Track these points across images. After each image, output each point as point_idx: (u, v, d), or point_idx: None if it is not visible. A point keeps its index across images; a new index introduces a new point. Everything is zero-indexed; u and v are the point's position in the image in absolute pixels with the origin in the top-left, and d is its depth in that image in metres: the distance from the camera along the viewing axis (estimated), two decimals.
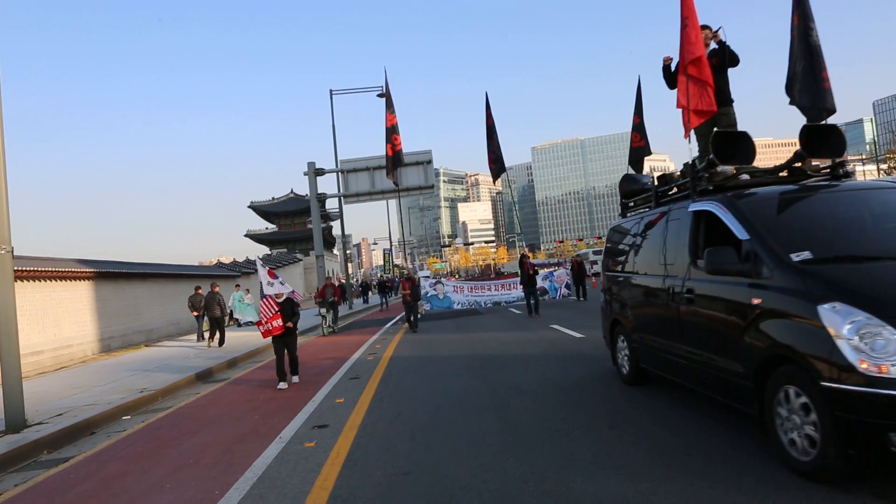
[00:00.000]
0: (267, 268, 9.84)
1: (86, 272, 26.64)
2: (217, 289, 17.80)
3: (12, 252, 7.59)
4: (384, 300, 33.02)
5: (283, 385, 9.21)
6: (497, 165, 20.94)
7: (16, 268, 8.78)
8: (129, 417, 8.31)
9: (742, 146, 5.28)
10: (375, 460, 5.01)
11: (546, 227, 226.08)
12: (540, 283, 21.90)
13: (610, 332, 7.44)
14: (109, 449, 6.57)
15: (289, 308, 9.56)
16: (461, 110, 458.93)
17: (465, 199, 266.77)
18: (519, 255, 22.87)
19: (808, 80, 6.57)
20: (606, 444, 4.83)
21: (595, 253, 49.35)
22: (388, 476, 4.58)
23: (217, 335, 16.71)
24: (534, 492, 3.99)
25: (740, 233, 4.52)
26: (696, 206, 5.28)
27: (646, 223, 6.45)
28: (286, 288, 9.72)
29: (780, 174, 5.59)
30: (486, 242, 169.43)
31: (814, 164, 5.47)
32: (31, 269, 19.53)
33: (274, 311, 9.36)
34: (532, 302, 17.84)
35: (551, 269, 23.90)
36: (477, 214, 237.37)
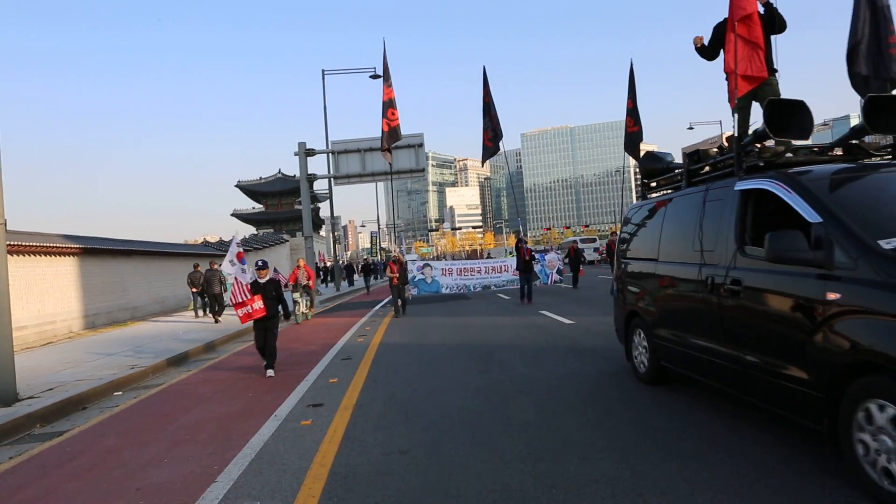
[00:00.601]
0: (239, 249, 9.36)
1: (71, 248, 26.38)
2: (215, 266, 18.67)
3: (5, 225, 7.52)
4: (368, 283, 32.30)
5: (271, 372, 8.59)
6: (493, 144, 19.78)
7: None
8: (120, 393, 8.31)
9: (798, 117, 4.70)
10: (373, 439, 5.07)
11: (533, 214, 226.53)
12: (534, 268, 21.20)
13: (625, 326, 6.75)
14: (103, 424, 6.58)
15: (272, 290, 8.95)
16: (451, 94, 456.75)
17: (454, 184, 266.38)
18: (514, 240, 21.93)
19: (872, 45, 5.92)
20: (601, 428, 4.92)
21: (583, 241, 49.62)
22: (387, 454, 4.64)
23: (217, 309, 18.23)
24: (531, 471, 4.07)
25: (809, 215, 3.85)
26: (745, 185, 4.64)
27: (674, 205, 5.76)
28: (244, 276, 9.07)
29: (832, 152, 4.99)
30: (473, 227, 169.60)
31: (874, 141, 4.96)
32: (16, 243, 19.31)
33: (248, 296, 8.70)
34: (526, 288, 17.33)
35: (542, 252, 23.18)
36: (465, 199, 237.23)
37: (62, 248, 26.00)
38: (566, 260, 23.06)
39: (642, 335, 6.28)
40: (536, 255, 21.08)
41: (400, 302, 16.30)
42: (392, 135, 20.27)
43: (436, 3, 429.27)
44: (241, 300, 8.64)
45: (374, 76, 27.86)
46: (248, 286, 8.73)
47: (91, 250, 28.08)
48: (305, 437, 5.30)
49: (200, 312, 20.68)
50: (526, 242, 18.30)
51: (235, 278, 9.02)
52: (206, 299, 19.66)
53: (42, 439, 6.17)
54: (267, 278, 9.02)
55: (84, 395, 7.73)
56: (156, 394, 8.06)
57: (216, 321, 17.81)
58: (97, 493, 4.38)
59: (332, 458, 4.63)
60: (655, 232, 6.06)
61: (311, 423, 5.76)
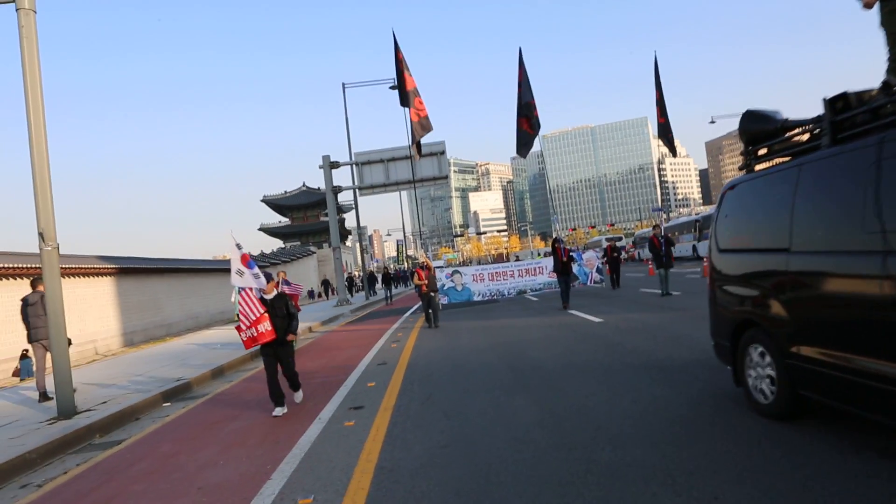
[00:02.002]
0: (242, 251, 7.33)
1: (107, 268, 27.25)
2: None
3: (58, 248, 7.98)
4: (388, 294, 29.90)
5: (279, 411, 6.95)
6: (534, 131, 17.96)
7: (39, 266, 8.79)
8: (169, 404, 8.71)
9: None
10: (413, 436, 5.34)
11: (558, 215, 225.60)
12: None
13: (732, 339, 5.16)
14: (158, 432, 6.97)
15: (282, 306, 7.21)
16: (470, 99, 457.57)
17: (476, 189, 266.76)
18: (544, 242, 21.24)
19: None
20: (631, 417, 5.13)
21: (608, 240, 49.45)
22: (428, 449, 4.91)
23: None
24: (565, 459, 4.30)
25: None
26: None
27: (814, 173, 4.27)
28: (259, 282, 7.24)
29: None
30: (498, 231, 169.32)
31: None
32: (60, 266, 20.03)
33: (258, 312, 6.96)
34: (564, 290, 15.93)
35: (578, 250, 21.52)
36: (488, 204, 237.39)
37: (99, 268, 26.86)
38: (605, 259, 21.72)
39: (764, 354, 4.72)
40: (574, 255, 19.80)
41: (431, 311, 15.15)
42: (422, 125, 18.68)
43: (452, 11, 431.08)
44: (255, 317, 6.93)
45: (393, 87, 28.16)
46: (260, 300, 7.10)
47: (126, 270, 28.96)
48: (350, 436, 5.60)
49: None
50: (563, 242, 16.80)
51: (243, 291, 7.10)
52: None
53: (103, 448, 6.57)
54: (274, 293, 7.33)
55: (136, 407, 8.14)
56: (202, 403, 8.45)
57: None
58: (162, 493, 4.73)
59: (376, 455, 4.91)
60: (782, 213, 4.52)
61: (353, 424, 6.05)
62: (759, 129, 5.06)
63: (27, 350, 17.77)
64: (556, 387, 6.64)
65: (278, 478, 4.68)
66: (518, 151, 18.33)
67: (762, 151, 5.10)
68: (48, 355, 8.91)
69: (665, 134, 15.49)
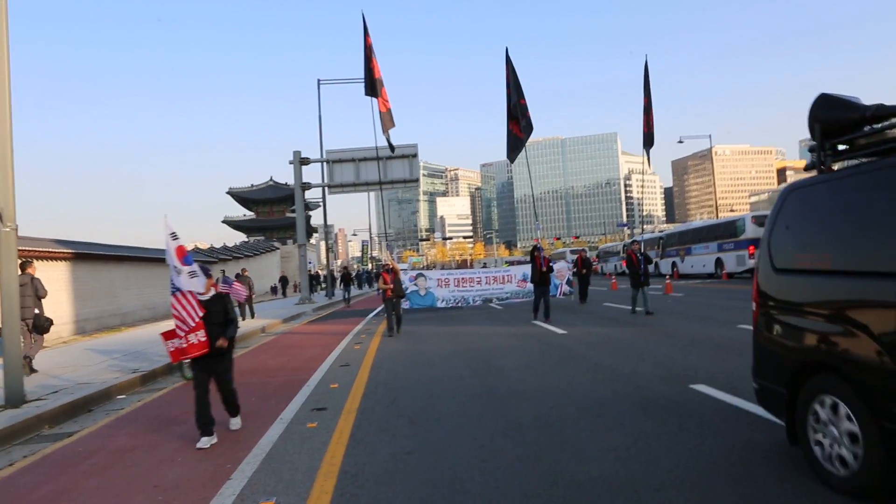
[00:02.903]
0: (177, 241, 5.85)
1: (63, 253, 26.41)
2: (246, 272, 21.20)
3: (16, 230, 7.69)
4: (347, 295, 29.16)
5: (205, 442, 5.52)
6: (525, 134, 16.95)
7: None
8: (124, 397, 8.45)
9: None
10: (378, 441, 5.28)
11: (524, 224, 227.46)
12: None
13: (790, 386, 4.02)
14: (111, 426, 6.75)
15: (219, 310, 5.80)
16: (444, 103, 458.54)
17: (444, 194, 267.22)
18: (530, 248, 17.36)
19: None
20: (595, 431, 5.16)
21: (573, 252, 49.99)
22: (393, 455, 4.86)
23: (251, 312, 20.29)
24: (531, 470, 4.30)
25: None
26: None
27: None
28: (195, 283, 5.69)
29: None
30: (463, 237, 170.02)
31: None
32: None
33: (197, 318, 5.61)
34: (542, 302, 14.99)
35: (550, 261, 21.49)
36: (455, 209, 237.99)
37: (54, 252, 26.01)
38: (574, 271, 20.93)
39: (845, 410, 3.58)
40: (555, 265, 18.72)
41: (393, 318, 14.03)
42: (388, 117, 17.94)
43: (428, 16, 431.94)
44: (193, 324, 5.59)
45: (368, 93, 27.52)
46: (200, 301, 5.69)
47: (82, 255, 28.09)
48: (313, 438, 5.51)
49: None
50: (542, 251, 15.72)
51: (179, 291, 5.67)
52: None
53: (52, 440, 6.33)
54: (211, 293, 5.82)
55: (89, 398, 7.88)
56: (159, 397, 8.23)
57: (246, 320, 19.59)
58: (116, 489, 4.57)
59: (340, 458, 4.84)
60: (878, 225, 3.50)
61: (316, 425, 5.96)
62: (839, 118, 4.05)
63: None
64: (521, 396, 6.65)
65: (238, 478, 4.57)
66: (508, 156, 17.65)
67: (842, 147, 4.08)
68: (22, 337, 9.03)
69: (649, 143, 15.73)
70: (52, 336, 24.43)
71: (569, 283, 20.22)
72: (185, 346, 5.63)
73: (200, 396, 5.63)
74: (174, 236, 5.84)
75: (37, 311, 10.26)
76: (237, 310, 22.62)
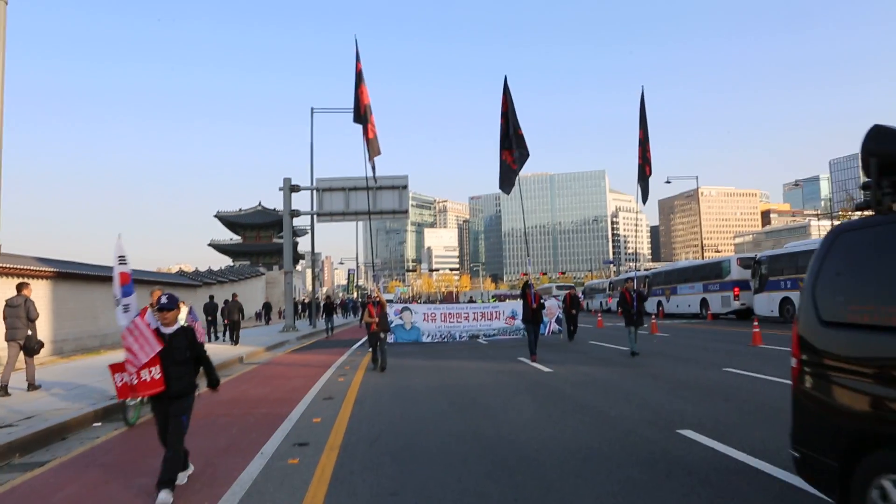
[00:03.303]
0: (123, 267, 5.56)
1: (44, 271, 26.07)
2: (237, 297, 23.12)
3: (0, 247, 7.57)
4: (329, 325, 28.87)
5: (164, 498, 4.73)
6: (518, 166, 16.15)
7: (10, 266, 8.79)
8: (100, 425, 8.25)
9: None
10: (361, 480, 5.17)
11: (511, 258, 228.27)
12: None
13: (842, 457, 3.38)
14: (86, 455, 6.57)
15: (183, 346, 5.07)
16: (434, 135, 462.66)
17: (433, 225, 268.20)
18: (519, 282, 16.65)
19: None
20: (582, 475, 5.08)
21: (559, 288, 50.09)
22: (376, 496, 4.75)
23: (233, 334, 21.67)
24: None
25: None
26: None
27: None
28: (126, 317, 5.24)
29: None
30: (450, 269, 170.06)
31: None
32: None
33: (150, 353, 4.93)
34: (533, 340, 14.16)
35: (555, 297, 20.07)
36: (443, 241, 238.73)
37: (36, 271, 25.67)
38: (563, 308, 20.44)
39: None
40: (545, 303, 18.14)
41: (378, 353, 13.09)
42: (374, 145, 17.14)
43: (421, 47, 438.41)
44: (146, 358, 4.90)
45: (357, 120, 26.35)
46: (155, 333, 5.01)
47: (65, 275, 27.74)
48: (294, 476, 5.38)
49: (220, 336, 24.46)
50: (534, 287, 14.89)
51: (130, 327, 5.07)
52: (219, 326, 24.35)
53: (23, 469, 6.13)
54: (176, 326, 5.12)
55: (65, 425, 7.67)
56: (137, 426, 8.03)
57: (234, 345, 20.79)
58: None
59: (322, 498, 4.73)
60: None
61: (298, 462, 5.83)
62: None
63: None
64: (506, 437, 6.56)
65: None
66: (501, 187, 16.95)
67: None
68: (21, 355, 10.26)
69: (644, 177, 15.61)
70: None
71: (558, 321, 19.83)
72: (134, 382, 4.93)
73: (162, 435, 5.10)
74: (122, 260, 5.49)
75: (29, 332, 10.40)
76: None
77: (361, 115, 17.05)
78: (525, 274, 17.13)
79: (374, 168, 17.45)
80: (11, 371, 10.21)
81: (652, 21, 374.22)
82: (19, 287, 10.64)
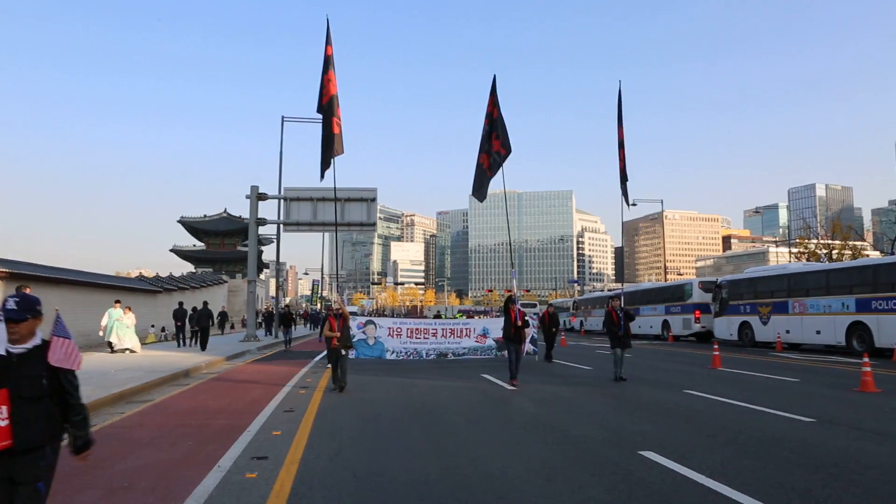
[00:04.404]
0: None
1: None
2: (207, 305, 23.94)
3: None
4: (288, 338, 27.11)
5: None
6: (492, 173, 14.95)
7: None
8: None
9: None
10: (321, 496, 5.05)
11: (476, 274, 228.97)
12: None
13: None
14: None
15: (36, 374, 3.14)
16: (402, 147, 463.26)
17: (399, 239, 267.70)
18: (504, 298, 14.04)
19: None
20: (545, 497, 5.07)
21: (524, 305, 50.32)
22: None
23: (202, 341, 22.16)
24: None
25: None
26: None
27: None
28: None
29: None
30: (415, 284, 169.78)
31: None
32: None
33: None
34: (514, 361, 12.76)
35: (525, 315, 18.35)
36: (409, 255, 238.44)
37: None
38: (538, 328, 19.41)
39: None
40: (529, 320, 16.93)
41: (338, 370, 11.73)
42: (339, 141, 14.81)
43: (389, 62, 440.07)
44: None
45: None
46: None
47: (17, 275, 26.84)
48: (251, 490, 5.23)
49: (188, 342, 24.55)
50: (518, 303, 13.69)
51: None
52: (187, 332, 24.60)
53: None
54: (29, 345, 3.21)
55: None
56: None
57: (203, 350, 21.48)
58: None
59: None
60: None
61: (256, 476, 5.68)
62: None
63: None
64: (469, 454, 6.51)
65: None
66: (473, 193, 15.75)
67: None
68: None
69: (624, 179, 15.29)
70: None
71: (533, 340, 18.49)
72: None
73: None
74: None
75: None
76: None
77: (324, 105, 14.97)
78: (509, 290, 16.03)
79: (333, 168, 15.25)
80: None
81: (620, 46, 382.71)
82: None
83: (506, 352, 16.32)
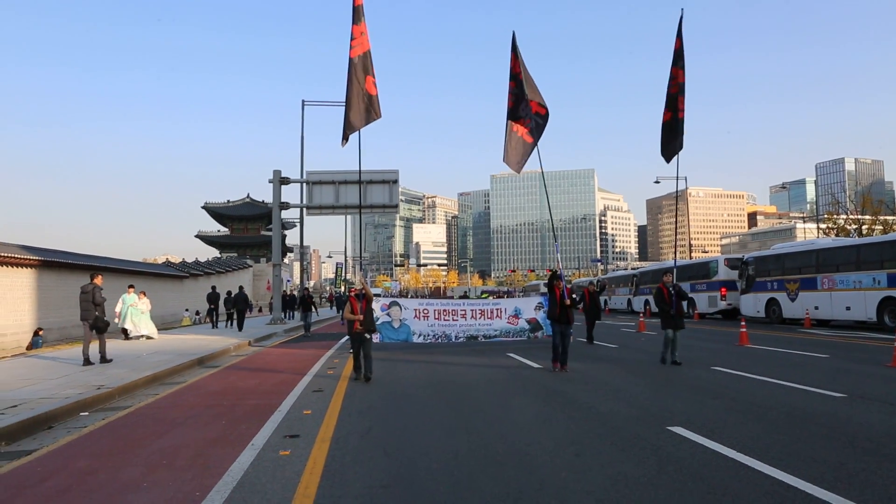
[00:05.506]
0: None
1: (29, 259, 25.82)
2: (243, 289, 26.00)
3: None
4: (307, 322, 25.17)
5: None
6: (534, 137, 13.26)
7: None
8: (87, 414, 8.16)
9: None
10: (353, 472, 5.15)
11: (498, 255, 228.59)
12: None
13: None
14: (73, 445, 6.49)
15: None
16: (424, 129, 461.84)
17: (421, 221, 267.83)
18: (550, 277, 12.54)
19: None
20: (574, 470, 5.10)
21: (546, 285, 50.10)
22: (368, 488, 4.74)
23: (239, 323, 24.73)
24: None
25: None
26: None
27: None
28: None
29: None
30: (438, 265, 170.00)
31: None
32: None
33: None
34: (558, 344, 11.55)
35: (544, 294, 17.07)
36: (431, 236, 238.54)
37: (20, 258, 25.41)
38: (581, 306, 17.64)
39: None
40: (540, 299, 16.82)
41: (363, 357, 10.71)
42: (375, 105, 13.82)
43: (410, 45, 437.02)
44: None
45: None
46: None
47: (49, 263, 27.47)
48: (286, 467, 5.35)
49: (223, 324, 27.48)
50: (564, 279, 12.42)
51: None
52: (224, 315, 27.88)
53: (9, 458, 6.05)
54: None
55: (51, 414, 7.59)
56: (125, 416, 7.96)
57: (240, 330, 23.91)
58: None
59: (314, 490, 4.70)
60: None
61: (289, 453, 5.80)
62: None
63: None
64: (498, 431, 6.57)
65: None
66: (510, 163, 14.09)
67: None
68: (93, 333, 12.77)
69: (676, 133, 13.27)
70: (11, 345, 23.71)
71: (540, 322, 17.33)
72: None
73: None
74: None
75: (97, 313, 12.70)
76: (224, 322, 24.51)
77: (353, 59, 13.40)
78: (550, 270, 14.67)
79: (359, 144, 14.87)
80: (88, 345, 12.71)
81: (650, 29, 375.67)
82: (92, 276, 12.97)
83: (538, 333, 16.85)
